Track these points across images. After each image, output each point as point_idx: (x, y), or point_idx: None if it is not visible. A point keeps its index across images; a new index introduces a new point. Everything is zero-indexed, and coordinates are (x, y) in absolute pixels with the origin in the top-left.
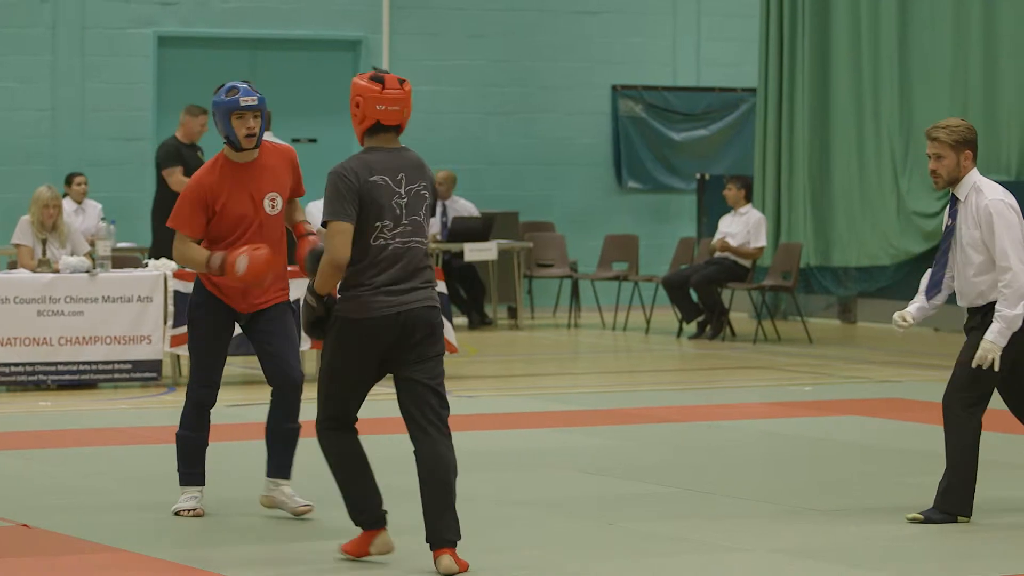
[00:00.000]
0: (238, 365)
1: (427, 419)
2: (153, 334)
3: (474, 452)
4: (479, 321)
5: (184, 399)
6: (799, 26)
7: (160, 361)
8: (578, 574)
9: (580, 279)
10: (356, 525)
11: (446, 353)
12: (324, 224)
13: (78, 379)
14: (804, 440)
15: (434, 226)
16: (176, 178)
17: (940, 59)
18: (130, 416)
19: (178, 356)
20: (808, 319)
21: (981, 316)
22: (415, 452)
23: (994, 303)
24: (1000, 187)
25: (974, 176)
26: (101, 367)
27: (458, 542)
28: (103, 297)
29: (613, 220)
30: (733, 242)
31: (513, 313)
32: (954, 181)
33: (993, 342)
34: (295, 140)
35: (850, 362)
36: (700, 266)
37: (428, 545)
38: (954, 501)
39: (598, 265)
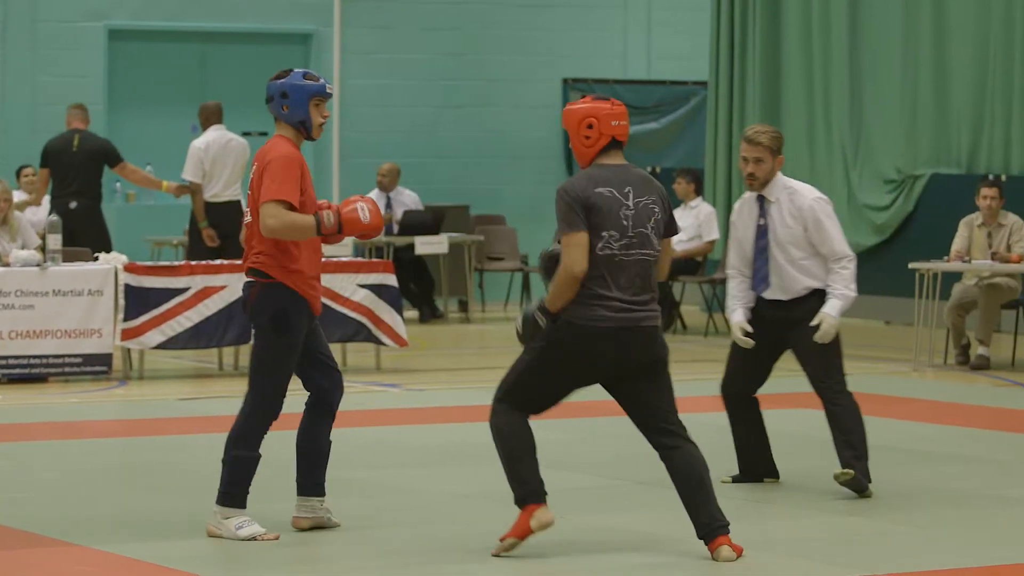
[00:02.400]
0: (189, 358)
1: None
2: (104, 328)
3: (425, 446)
4: (429, 314)
5: (246, 415)
6: (750, 20)
7: (111, 355)
8: (531, 568)
9: (531, 272)
10: (517, 502)
11: (395, 346)
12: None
13: (28, 373)
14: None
15: None
16: (142, 172)
17: (890, 53)
18: (81, 410)
19: (128, 350)
20: None
21: (813, 302)
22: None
23: (818, 290)
24: (809, 185)
25: (781, 178)
26: (51, 361)
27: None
28: (53, 291)
29: None
30: (684, 236)
31: (464, 306)
32: (765, 184)
33: (835, 318)
34: (246, 133)
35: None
36: None
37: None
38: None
39: None
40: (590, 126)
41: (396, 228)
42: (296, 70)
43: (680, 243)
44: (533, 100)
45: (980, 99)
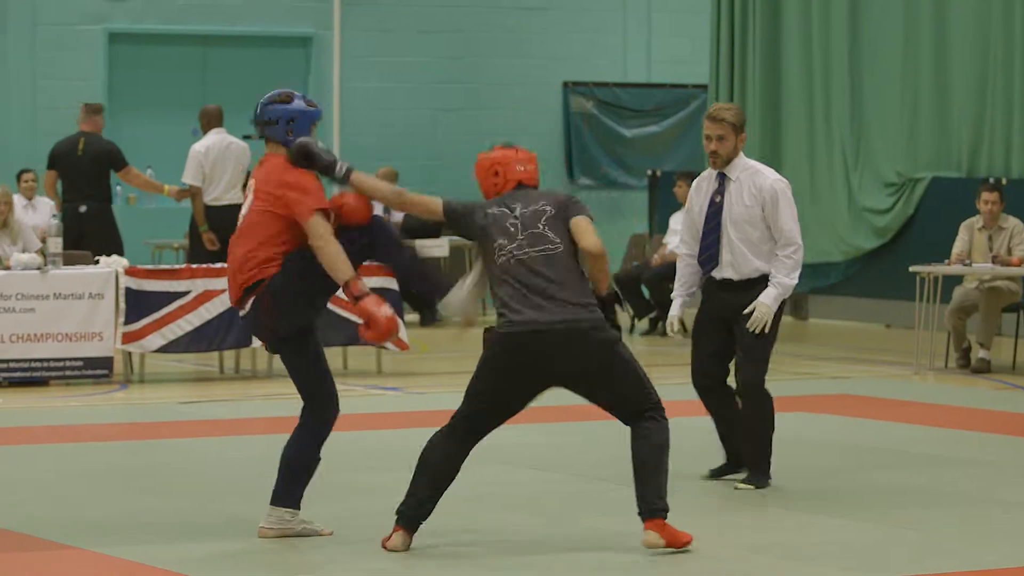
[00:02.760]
0: (189, 362)
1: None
2: (104, 331)
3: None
4: (430, 318)
5: (320, 423)
6: (750, 23)
7: (111, 358)
8: (522, 569)
9: None
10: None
11: (396, 350)
12: None
13: (29, 376)
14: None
15: None
16: (144, 176)
17: (891, 57)
18: (81, 413)
19: (129, 353)
20: None
21: (761, 289)
22: None
23: (766, 275)
24: (771, 168)
25: (743, 158)
26: (52, 364)
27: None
28: (54, 294)
29: None
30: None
31: None
32: (728, 161)
33: (769, 306)
34: (246, 137)
35: (801, 358)
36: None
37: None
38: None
39: None
40: (496, 172)
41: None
42: (295, 95)
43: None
44: (533, 103)
45: (981, 102)
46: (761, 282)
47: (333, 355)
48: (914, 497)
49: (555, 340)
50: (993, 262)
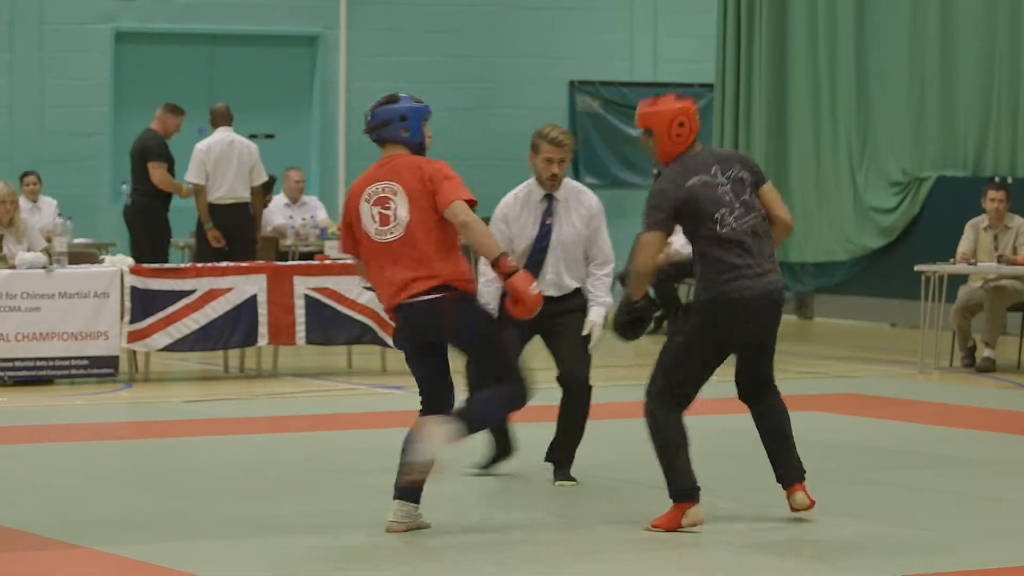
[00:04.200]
0: (195, 360)
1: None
2: (110, 330)
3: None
4: None
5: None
6: (756, 22)
7: (117, 357)
8: (532, 568)
9: None
10: (672, 497)
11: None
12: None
13: (35, 375)
14: (752, 434)
15: None
16: (162, 173)
17: (897, 56)
18: (87, 412)
19: (134, 352)
20: None
21: (575, 298)
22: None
23: (577, 289)
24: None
25: (566, 178)
26: (58, 363)
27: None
28: (59, 293)
29: None
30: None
31: None
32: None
33: (601, 325)
34: (252, 136)
35: (807, 358)
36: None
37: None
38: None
39: None
40: (681, 124)
41: None
42: (402, 95)
43: (686, 246)
44: (540, 102)
45: (987, 101)
46: (575, 293)
47: (337, 354)
48: (921, 496)
49: (772, 304)
50: (998, 261)
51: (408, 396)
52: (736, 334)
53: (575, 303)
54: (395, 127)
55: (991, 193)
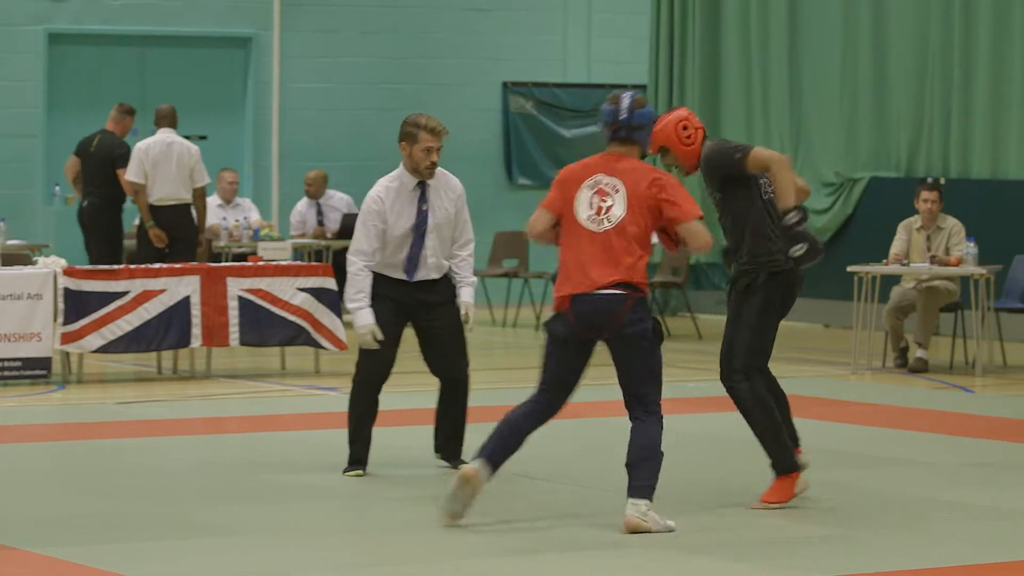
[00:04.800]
0: (128, 362)
1: None
2: (43, 331)
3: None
4: None
5: (661, 419)
6: (690, 24)
7: (50, 359)
8: (467, 571)
9: None
10: (785, 470)
11: (334, 350)
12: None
13: None
14: (694, 437)
15: (309, 223)
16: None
17: (829, 57)
18: (19, 413)
19: (67, 354)
20: (698, 315)
21: (445, 284)
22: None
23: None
24: None
25: None
26: None
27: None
28: None
29: (503, 217)
30: None
31: None
32: None
33: (473, 303)
34: (186, 137)
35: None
36: None
37: None
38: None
39: (488, 262)
40: (685, 127)
41: (329, 234)
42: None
43: None
44: (474, 103)
45: (919, 102)
46: (445, 279)
47: (271, 356)
48: (853, 496)
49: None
50: (931, 262)
51: (342, 397)
52: (789, 303)
53: (446, 292)
54: (647, 133)
55: (924, 194)
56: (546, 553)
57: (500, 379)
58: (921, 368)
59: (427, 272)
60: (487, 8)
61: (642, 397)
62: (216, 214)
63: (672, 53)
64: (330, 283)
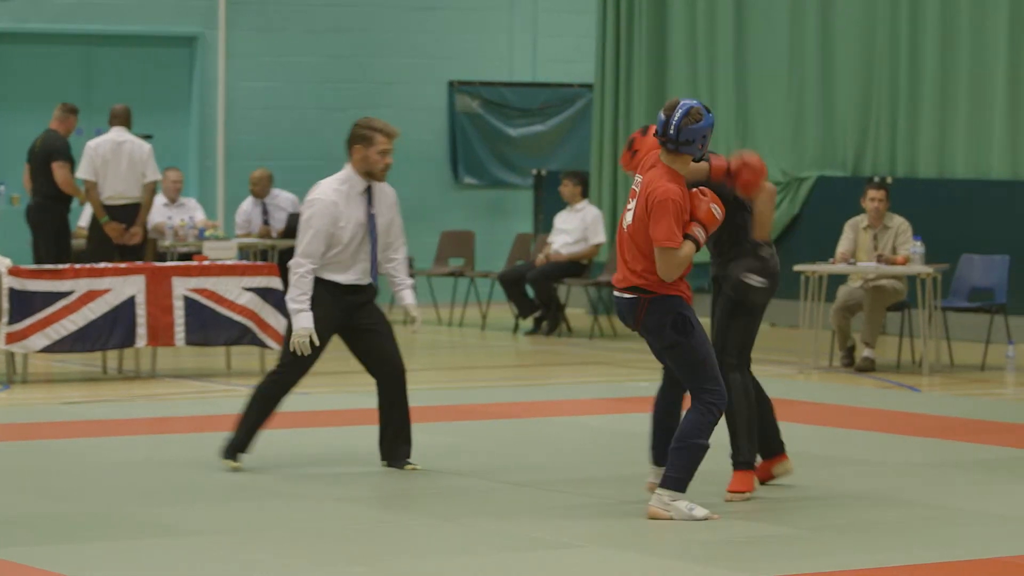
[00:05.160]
0: (74, 362)
1: None
2: None
3: (309, 449)
4: None
5: (702, 412)
6: (636, 22)
7: None
8: (412, 570)
9: (416, 275)
10: (741, 464)
11: (280, 349)
12: None
13: None
14: (641, 436)
15: (254, 223)
16: (64, 173)
17: (776, 56)
18: None
19: (12, 354)
20: None
21: (371, 292)
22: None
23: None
24: None
25: None
26: None
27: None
28: None
29: (449, 216)
30: (569, 238)
31: None
32: None
33: (416, 304)
34: (146, 136)
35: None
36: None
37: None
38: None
39: (434, 261)
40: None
41: (275, 234)
42: (700, 107)
43: (566, 246)
44: (419, 103)
45: (866, 101)
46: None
47: (216, 355)
48: (800, 496)
49: None
50: (878, 261)
51: (287, 398)
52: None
53: (371, 292)
54: (696, 145)
55: (871, 193)
56: (490, 553)
57: (446, 379)
58: (868, 367)
59: (364, 277)
60: (432, 7)
61: (690, 389)
62: (161, 213)
63: (618, 52)
64: (275, 283)
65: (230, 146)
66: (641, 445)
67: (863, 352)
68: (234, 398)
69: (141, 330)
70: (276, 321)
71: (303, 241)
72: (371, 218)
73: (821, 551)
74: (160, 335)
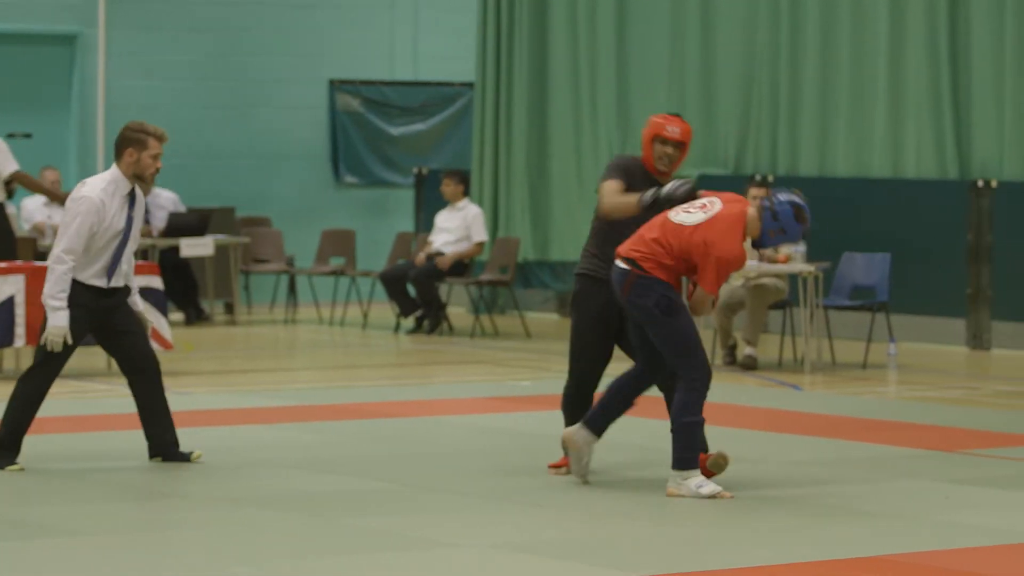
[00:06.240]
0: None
1: None
2: None
3: (190, 449)
4: (195, 317)
5: (687, 390)
6: (517, 21)
7: None
8: (295, 571)
9: (297, 274)
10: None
11: (160, 349)
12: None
13: None
14: (523, 435)
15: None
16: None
17: (657, 53)
18: None
19: None
20: (526, 313)
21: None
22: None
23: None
24: None
25: None
26: None
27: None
28: None
29: (330, 215)
30: (450, 237)
31: (230, 309)
32: None
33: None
34: (10, 135)
35: (565, 357)
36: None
37: None
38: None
39: (315, 260)
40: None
41: (156, 233)
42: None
43: (448, 245)
44: (299, 101)
45: (747, 100)
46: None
47: (95, 355)
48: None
49: None
50: (760, 260)
51: (168, 397)
52: None
53: (125, 295)
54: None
55: (752, 191)
56: (374, 552)
57: (327, 378)
58: (750, 366)
59: (119, 280)
60: (313, 5)
61: (676, 368)
62: (41, 212)
63: (499, 50)
64: (156, 282)
65: (110, 145)
66: (522, 443)
67: (745, 350)
68: (114, 397)
69: (20, 329)
70: (156, 320)
71: (67, 237)
72: (129, 221)
73: (701, 550)
74: (39, 334)
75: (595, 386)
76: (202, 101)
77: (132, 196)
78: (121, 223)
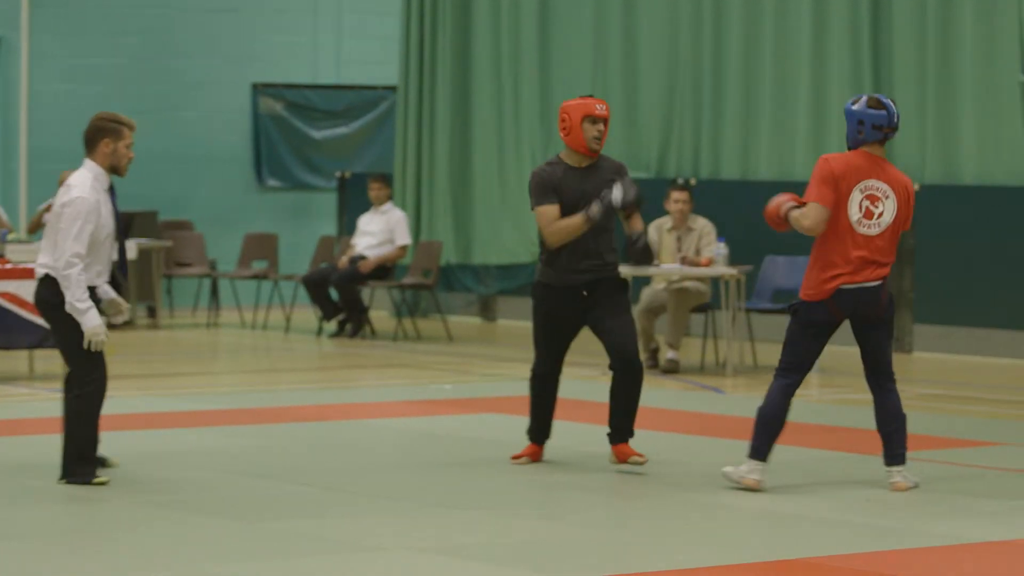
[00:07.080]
0: None
1: None
2: None
3: (113, 453)
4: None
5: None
6: (440, 24)
7: None
8: (217, 575)
9: (220, 278)
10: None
11: None
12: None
13: None
14: (446, 438)
15: None
16: None
17: (580, 58)
18: None
19: None
20: (449, 317)
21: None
22: None
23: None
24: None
25: None
26: None
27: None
28: None
29: (253, 219)
30: (373, 240)
31: (152, 312)
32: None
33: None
34: None
35: (490, 360)
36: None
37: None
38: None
39: (238, 264)
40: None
41: None
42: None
43: (371, 248)
44: (222, 105)
45: (669, 103)
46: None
47: (19, 359)
48: (602, 497)
49: None
50: (682, 263)
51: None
52: None
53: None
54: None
55: (674, 194)
56: (297, 557)
57: (249, 381)
58: (672, 369)
59: (101, 279)
60: (235, 8)
61: (888, 367)
62: None
63: (422, 54)
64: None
65: (33, 148)
66: (444, 447)
67: (667, 354)
68: (37, 402)
69: None
70: None
71: (71, 241)
72: (118, 214)
73: (621, 553)
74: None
75: (555, 364)
76: (125, 105)
77: (112, 190)
78: (111, 221)
